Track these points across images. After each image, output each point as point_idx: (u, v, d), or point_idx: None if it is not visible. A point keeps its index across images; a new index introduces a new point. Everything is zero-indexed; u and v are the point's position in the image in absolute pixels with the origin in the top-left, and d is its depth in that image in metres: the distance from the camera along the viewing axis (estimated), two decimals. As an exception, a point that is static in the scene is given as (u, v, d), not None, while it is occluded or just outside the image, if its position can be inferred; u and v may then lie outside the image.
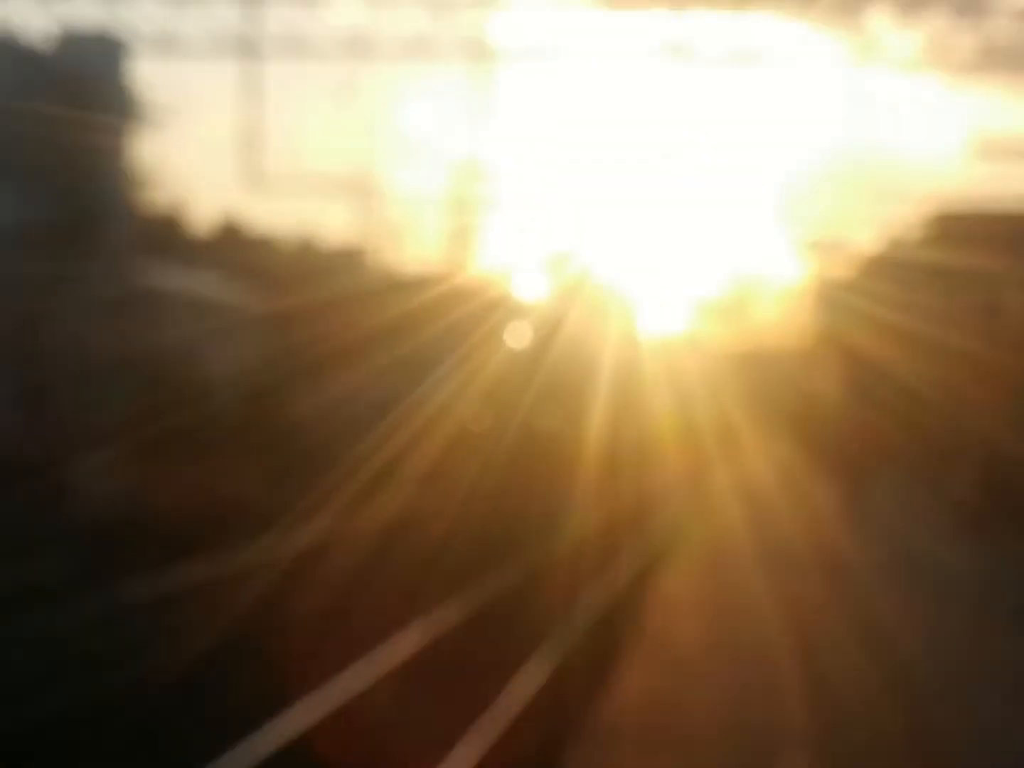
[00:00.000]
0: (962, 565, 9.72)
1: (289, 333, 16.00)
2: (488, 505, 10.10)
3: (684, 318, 25.50)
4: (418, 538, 8.66)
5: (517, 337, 14.03)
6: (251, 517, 9.70)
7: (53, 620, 5.91)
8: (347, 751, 3.54)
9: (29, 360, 13.97)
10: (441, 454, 10.76)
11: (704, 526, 12.73)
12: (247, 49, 12.50)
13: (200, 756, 3.27)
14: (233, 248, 19.86)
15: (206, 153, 27.53)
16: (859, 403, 17.15)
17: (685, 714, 4.16)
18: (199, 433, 11.95)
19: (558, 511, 9.72)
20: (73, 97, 14.15)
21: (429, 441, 10.62)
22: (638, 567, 8.96)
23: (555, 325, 14.10)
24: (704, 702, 4.42)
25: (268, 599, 6.40)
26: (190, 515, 9.89)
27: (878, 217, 18.67)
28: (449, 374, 12.24)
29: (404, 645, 5.58)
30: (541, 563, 8.15)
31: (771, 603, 7.01)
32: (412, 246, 19.74)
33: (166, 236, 18.99)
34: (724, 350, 24.92)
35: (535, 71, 15.96)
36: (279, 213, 29.88)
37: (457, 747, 3.49)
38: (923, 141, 31.60)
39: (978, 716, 4.40)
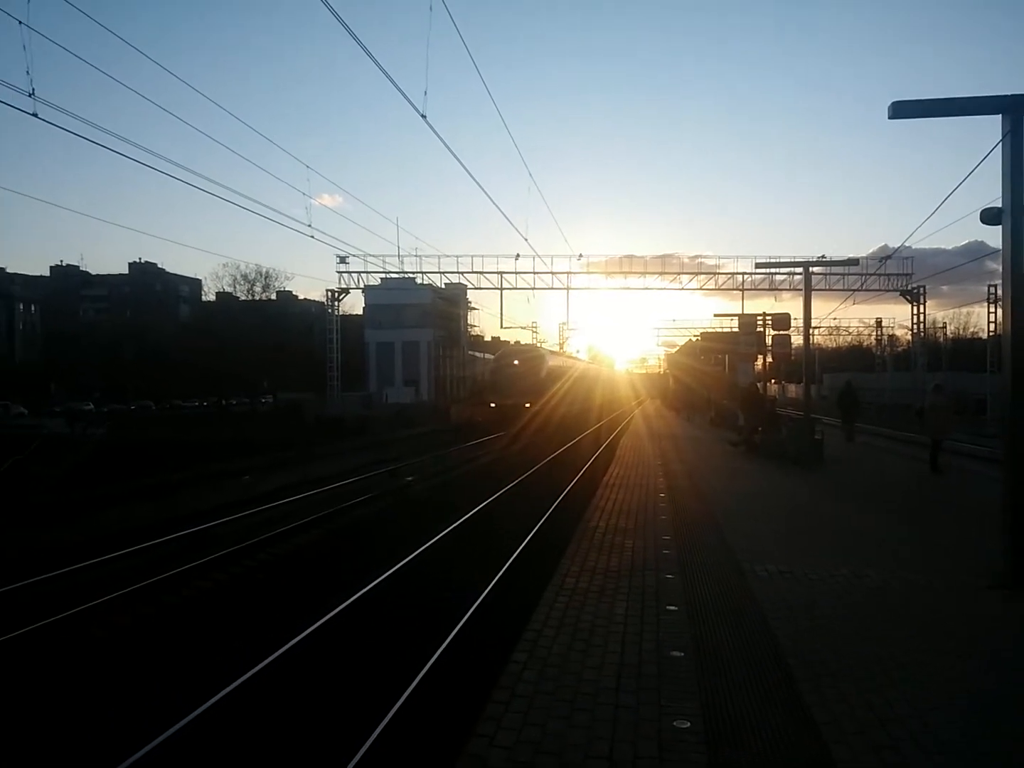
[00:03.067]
0: (709, 436, 34.32)
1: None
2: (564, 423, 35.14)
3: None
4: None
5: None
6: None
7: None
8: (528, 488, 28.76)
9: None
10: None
11: (631, 425, 38.14)
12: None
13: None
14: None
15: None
16: (682, 391, 44.03)
17: (629, 478, 28.64)
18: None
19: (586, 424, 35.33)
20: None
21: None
22: (613, 436, 33.56)
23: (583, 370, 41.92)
24: (633, 475, 29.14)
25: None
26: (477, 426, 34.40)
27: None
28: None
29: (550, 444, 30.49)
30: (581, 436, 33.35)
31: (650, 448, 30.04)
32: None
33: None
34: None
35: None
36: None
37: (579, 472, 28.56)
38: None
39: (708, 465, 29.57)
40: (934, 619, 6.73)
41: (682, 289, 53.39)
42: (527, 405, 35.91)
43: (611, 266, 53.60)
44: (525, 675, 5.40)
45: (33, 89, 11.25)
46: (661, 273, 52.86)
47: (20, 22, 11.44)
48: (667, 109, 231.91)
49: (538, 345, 59.40)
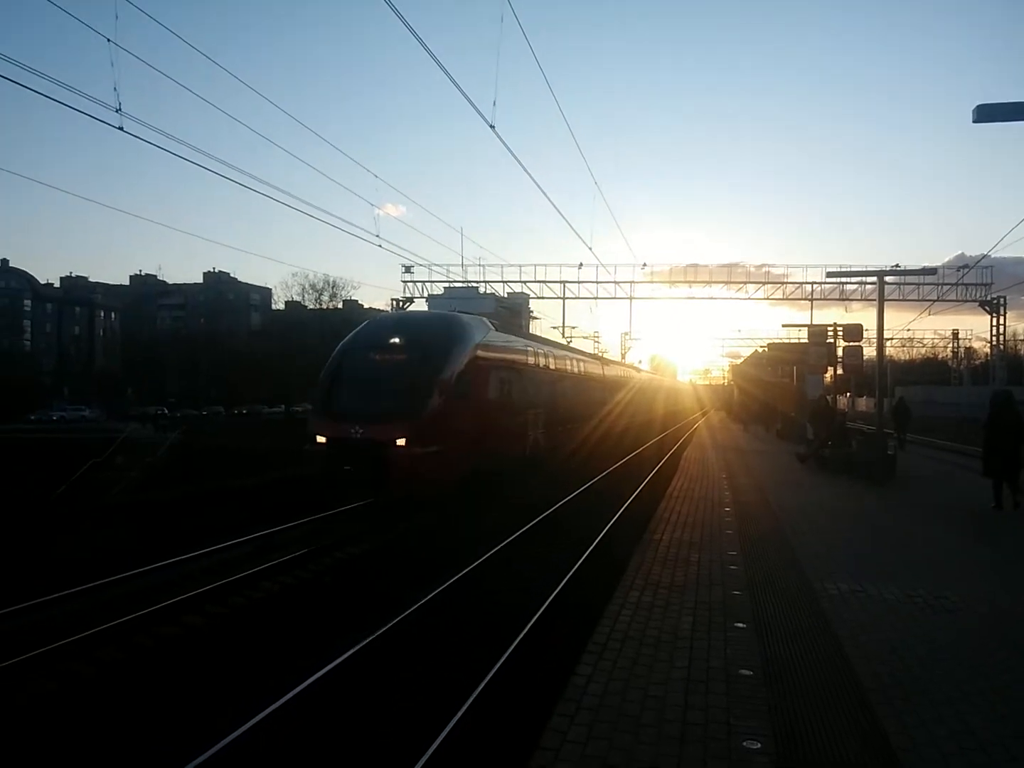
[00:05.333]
0: (775, 449, 33.58)
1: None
2: (625, 434, 34.74)
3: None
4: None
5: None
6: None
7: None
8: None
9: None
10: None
11: (695, 437, 37.55)
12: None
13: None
14: None
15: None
16: (748, 402, 43.11)
17: (693, 491, 28.08)
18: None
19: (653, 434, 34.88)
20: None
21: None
22: (676, 448, 33.11)
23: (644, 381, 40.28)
24: (698, 488, 28.66)
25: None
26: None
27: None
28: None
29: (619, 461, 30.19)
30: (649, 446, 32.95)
31: (715, 460, 29.61)
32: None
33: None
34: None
35: None
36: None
37: (645, 479, 28.18)
38: None
39: (775, 479, 29.00)
40: (1017, 641, 6.43)
41: (748, 299, 52.52)
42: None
43: (675, 275, 53.01)
44: (590, 688, 5.37)
45: (120, 104, 11.72)
46: (727, 282, 52.07)
47: (108, 39, 11.94)
48: (735, 116, 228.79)
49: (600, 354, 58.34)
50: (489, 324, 17.85)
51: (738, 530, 11.59)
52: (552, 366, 23.15)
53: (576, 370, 27.56)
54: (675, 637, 6.46)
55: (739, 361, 61.64)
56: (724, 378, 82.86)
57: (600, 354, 47.15)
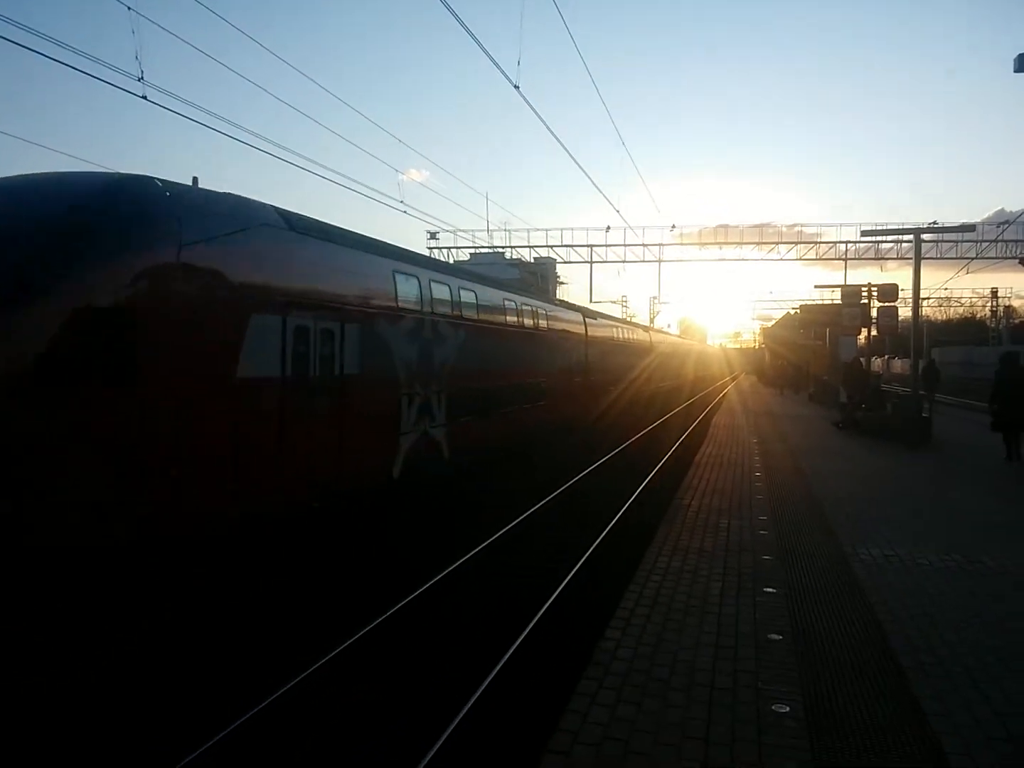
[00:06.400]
0: (808, 412, 33.16)
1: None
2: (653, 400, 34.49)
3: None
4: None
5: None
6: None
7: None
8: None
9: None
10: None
11: (724, 402, 37.25)
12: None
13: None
14: None
15: None
16: (780, 366, 42.61)
17: (723, 457, 27.06)
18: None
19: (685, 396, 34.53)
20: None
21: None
22: (706, 413, 32.86)
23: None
24: (728, 454, 28.31)
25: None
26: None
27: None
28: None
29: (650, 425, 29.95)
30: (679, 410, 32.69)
31: (745, 425, 29.44)
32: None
33: None
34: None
35: None
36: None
37: (677, 441, 27.91)
38: None
39: (807, 444, 28.67)
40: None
41: (780, 260, 51.61)
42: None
43: (705, 237, 52.08)
44: (619, 653, 5.39)
45: (142, 73, 11.67)
46: (758, 243, 51.07)
47: (129, 8, 11.86)
48: (763, 70, 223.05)
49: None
50: (255, 206, 8.06)
51: (769, 495, 11.51)
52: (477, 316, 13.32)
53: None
54: (704, 602, 6.46)
55: (770, 324, 60.86)
56: (755, 341, 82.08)
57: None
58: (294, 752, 5.28)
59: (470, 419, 12.57)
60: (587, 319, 23.04)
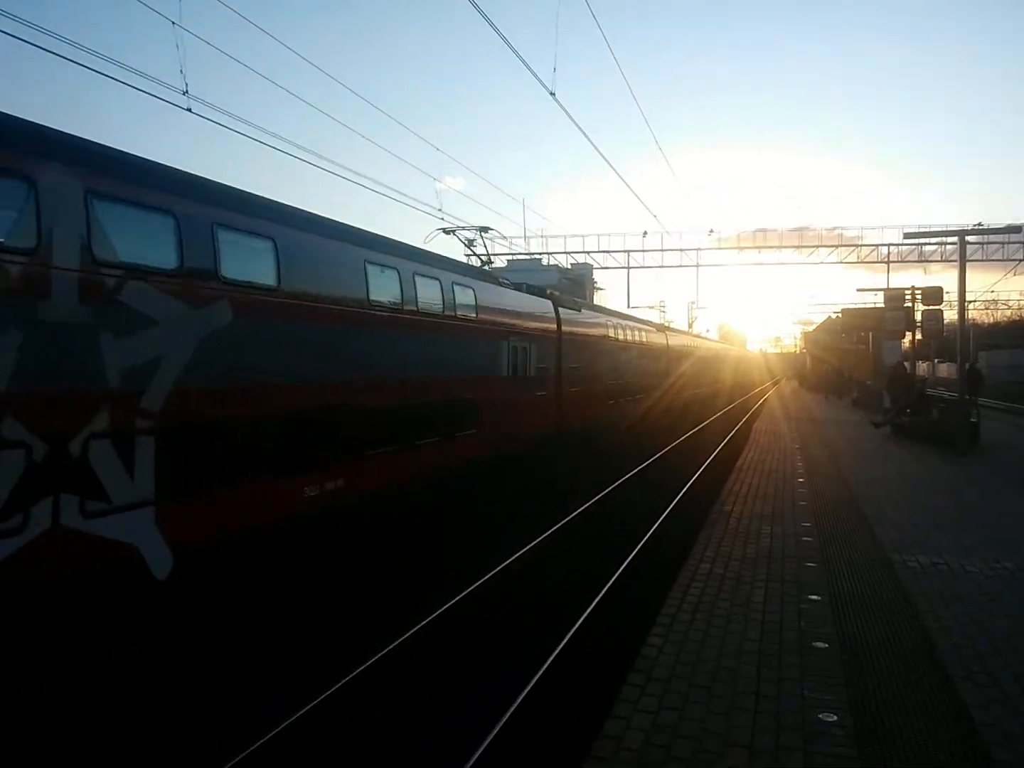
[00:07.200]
0: (852, 418, 32.63)
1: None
2: (691, 405, 34.18)
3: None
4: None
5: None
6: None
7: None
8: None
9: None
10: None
11: (765, 407, 36.80)
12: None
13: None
14: None
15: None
16: (822, 371, 42.07)
17: (765, 462, 27.51)
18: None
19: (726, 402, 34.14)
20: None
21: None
22: (747, 419, 32.51)
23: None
24: (770, 459, 28.07)
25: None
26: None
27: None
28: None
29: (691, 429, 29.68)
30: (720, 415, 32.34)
31: (787, 430, 29.19)
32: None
33: None
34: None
35: None
36: None
37: (715, 450, 27.57)
38: None
39: (851, 449, 28.24)
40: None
41: (820, 263, 50.91)
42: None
43: (743, 240, 51.63)
44: (661, 659, 5.39)
45: (187, 86, 11.99)
46: (797, 246, 50.48)
47: (173, 23, 12.18)
48: (802, 70, 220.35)
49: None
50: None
51: (812, 502, 11.36)
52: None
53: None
54: (747, 609, 6.42)
55: (812, 328, 60.19)
56: (796, 346, 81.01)
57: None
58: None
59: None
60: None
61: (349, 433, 8.67)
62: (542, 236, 71.57)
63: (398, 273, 10.19)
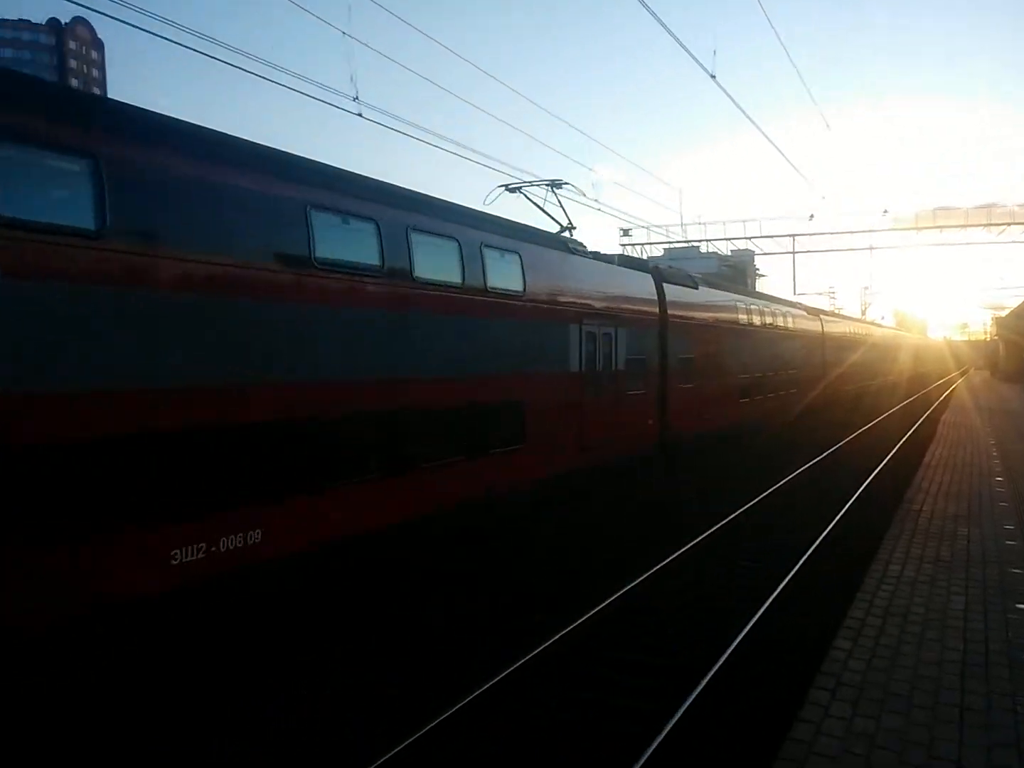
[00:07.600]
0: None
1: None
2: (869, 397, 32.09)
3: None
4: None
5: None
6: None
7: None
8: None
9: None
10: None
11: (952, 398, 33.97)
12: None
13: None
14: None
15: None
16: (1018, 359, 38.36)
17: (955, 458, 25.07)
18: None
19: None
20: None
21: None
22: (932, 411, 30.11)
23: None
24: (961, 455, 25.81)
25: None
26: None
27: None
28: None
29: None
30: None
31: (979, 424, 26.56)
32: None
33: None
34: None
35: None
36: None
37: (895, 446, 25.55)
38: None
39: None
40: None
41: (1012, 243, 46.20)
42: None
43: (922, 220, 47.79)
44: (851, 664, 5.14)
45: (357, 92, 12.67)
46: (985, 225, 46.12)
47: (343, 33, 12.87)
48: (981, 33, 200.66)
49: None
50: None
51: (1014, 501, 10.41)
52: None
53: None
54: (944, 616, 5.99)
55: (1004, 313, 54.67)
56: (986, 333, 74.04)
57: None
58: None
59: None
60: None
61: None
62: (700, 223, 69.43)
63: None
